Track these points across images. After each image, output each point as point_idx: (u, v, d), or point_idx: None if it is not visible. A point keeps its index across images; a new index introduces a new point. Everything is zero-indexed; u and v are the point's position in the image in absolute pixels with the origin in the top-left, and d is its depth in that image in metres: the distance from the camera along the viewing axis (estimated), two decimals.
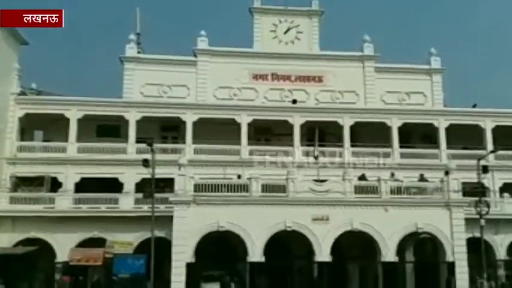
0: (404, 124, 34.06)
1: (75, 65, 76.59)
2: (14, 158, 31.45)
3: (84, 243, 28.81)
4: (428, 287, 28.44)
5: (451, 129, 34.18)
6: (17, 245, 28.72)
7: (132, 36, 36.08)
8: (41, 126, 33.55)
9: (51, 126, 32.85)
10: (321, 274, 26.04)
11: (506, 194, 32.06)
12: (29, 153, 31.72)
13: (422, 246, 30.13)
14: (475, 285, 26.14)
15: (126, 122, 32.48)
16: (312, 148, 32.58)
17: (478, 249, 27.22)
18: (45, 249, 28.31)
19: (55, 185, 31.24)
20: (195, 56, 36.19)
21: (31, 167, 31.08)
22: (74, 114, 32.07)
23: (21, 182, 31.22)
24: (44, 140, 33.14)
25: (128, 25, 40.68)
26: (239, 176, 29.59)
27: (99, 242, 28.55)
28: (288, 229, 26.21)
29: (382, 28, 65.60)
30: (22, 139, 32.46)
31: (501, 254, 30.76)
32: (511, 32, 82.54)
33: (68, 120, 31.96)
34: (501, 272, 30.09)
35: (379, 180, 27.47)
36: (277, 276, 28.18)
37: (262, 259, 25.80)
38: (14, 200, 29.75)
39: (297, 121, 33.38)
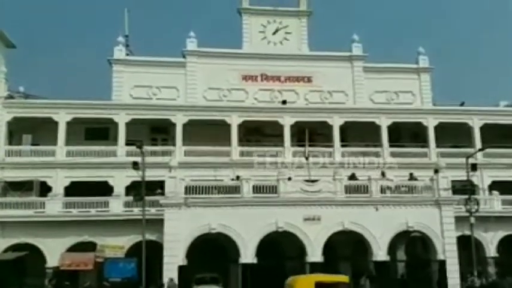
0: (394, 123, 34.26)
1: (63, 67, 76.09)
2: (2, 162, 31.22)
3: (75, 248, 28.49)
4: (420, 285, 28.55)
5: (440, 128, 34.44)
6: (6, 250, 28.38)
7: (121, 38, 35.83)
8: (30, 130, 33.14)
9: (39, 130, 32.54)
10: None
11: (495, 192, 32.31)
12: (17, 157, 31.52)
13: (413, 245, 30.32)
14: (466, 283, 26.26)
15: (115, 124, 32.35)
16: (302, 148, 32.66)
17: (468, 246, 27.43)
18: (35, 255, 28.02)
19: (44, 189, 30.97)
20: (184, 57, 36.04)
21: (20, 172, 30.81)
22: (62, 117, 31.90)
23: (10, 187, 30.87)
24: (33, 144, 32.75)
25: (117, 26, 40.44)
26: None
27: (89, 246, 28.31)
28: (280, 230, 26.24)
29: (371, 27, 65.94)
30: (10, 143, 32.22)
31: (491, 251, 30.94)
32: (497, 31, 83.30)
33: (56, 123, 31.76)
34: (491, 269, 30.30)
35: (369, 179, 27.56)
36: (270, 277, 28.11)
37: (255, 260, 25.80)
38: (3, 205, 29.36)
39: (287, 122, 33.43)
